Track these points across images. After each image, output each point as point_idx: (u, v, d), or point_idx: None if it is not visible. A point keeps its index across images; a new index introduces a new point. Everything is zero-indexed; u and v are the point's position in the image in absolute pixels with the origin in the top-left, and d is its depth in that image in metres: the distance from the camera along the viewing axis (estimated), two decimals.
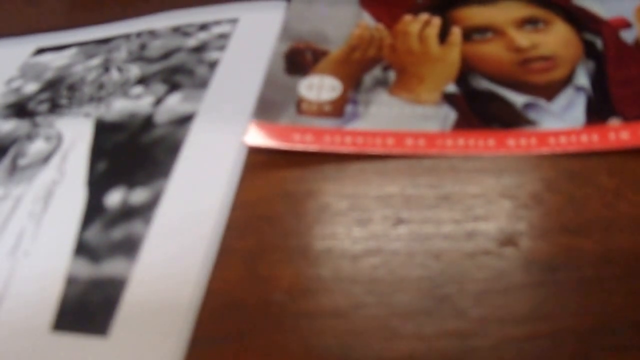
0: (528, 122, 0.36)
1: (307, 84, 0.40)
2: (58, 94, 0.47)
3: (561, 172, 0.34)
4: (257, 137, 0.37)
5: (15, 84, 0.50)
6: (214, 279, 0.31)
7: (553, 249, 0.30)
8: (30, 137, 0.43)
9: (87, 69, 0.48)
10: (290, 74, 0.41)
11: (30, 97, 0.47)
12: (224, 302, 0.30)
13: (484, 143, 0.35)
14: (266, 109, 0.39)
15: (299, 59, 0.42)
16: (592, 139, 0.35)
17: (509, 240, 0.31)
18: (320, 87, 0.40)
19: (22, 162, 0.42)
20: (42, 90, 0.48)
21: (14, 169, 0.41)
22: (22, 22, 0.57)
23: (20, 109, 0.47)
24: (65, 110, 0.45)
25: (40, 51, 0.53)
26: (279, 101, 0.40)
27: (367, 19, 0.45)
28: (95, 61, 0.49)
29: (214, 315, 0.30)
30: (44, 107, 0.46)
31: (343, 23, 0.45)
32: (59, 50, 0.52)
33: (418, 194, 0.33)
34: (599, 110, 0.37)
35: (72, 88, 0.47)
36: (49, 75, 0.49)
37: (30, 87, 0.49)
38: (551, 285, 0.29)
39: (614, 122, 0.35)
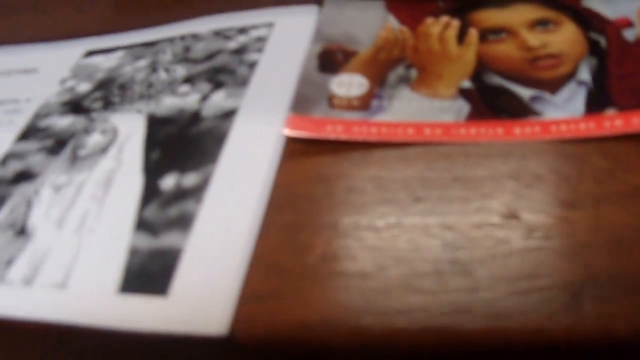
0: (533, 113, 0.43)
1: (338, 82, 0.47)
2: (110, 92, 0.55)
3: (560, 155, 0.41)
4: (294, 128, 0.45)
5: (69, 83, 0.58)
6: (257, 247, 0.38)
7: (550, 220, 0.37)
8: (87, 131, 0.51)
9: (136, 69, 0.56)
10: (323, 72, 0.49)
11: (84, 96, 0.55)
12: (267, 265, 0.38)
13: (493, 131, 0.42)
14: (301, 104, 0.47)
15: (330, 59, 0.50)
16: (589, 127, 0.41)
17: (512, 213, 0.38)
18: (349, 84, 0.47)
19: (82, 153, 0.49)
20: (94, 89, 0.56)
21: (74, 159, 0.49)
22: (71, 27, 0.64)
23: (76, 106, 0.54)
24: (118, 106, 0.53)
25: (90, 54, 0.61)
26: (312, 97, 0.47)
27: (393, 22, 0.52)
28: (143, 62, 0.57)
29: (259, 276, 0.37)
30: (98, 104, 0.54)
31: (370, 26, 0.52)
32: (108, 53, 0.60)
33: (434, 176, 0.41)
34: (597, 101, 0.43)
35: (123, 87, 0.55)
36: (100, 75, 0.57)
37: (84, 87, 0.57)
38: (547, 250, 0.36)
39: (610, 111, 0.42)
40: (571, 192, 0.38)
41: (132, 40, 0.61)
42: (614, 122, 0.41)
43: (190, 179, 0.44)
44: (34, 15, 0.66)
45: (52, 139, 0.51)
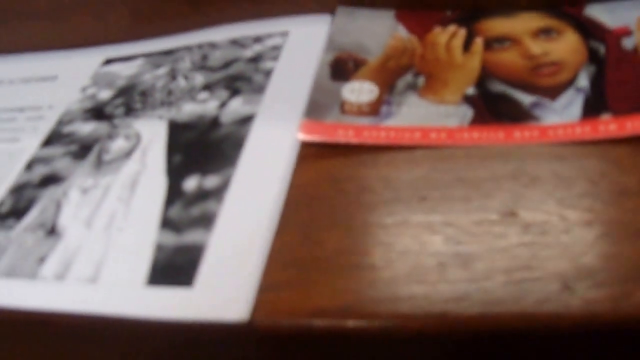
0: (533, 118, 0.48)
1: (349, 89, 0.53)
2: (132, 99, 0.61)
3: (557, 157, 0.46)
4: (308, 133, 0.51)
5: (90, 91, 0.64)
6: (275, 242, 0.44)
7: (545, 217, 0.42)
8: (111, 136, 0.57)
9: (156, 77, 0.62)
10: (335, 80, 0.54)
11: (106, 103, 0.61)
12: (284, 259, 0.43)
13: (495, 135, 0.48)
14: (315, 110, 0.52)
15: (342, 67, 0.55)
16: (585, 131, 0.47)
17: (510, 211, 0.43)
18: (360, 91, 0.53)
19: (106, 157, 0.55)
20: (116, 96, 0.62)
21: (100, 163, 0.55)
22: (89, 35, 0.69)
23: (98, 113, 0.60)
24: (140, 113, 0.58)
25: (109, 62, 0.67)
26: (325, 103, 0.52)
27: (402, 31, 0.58)
28: (162, 70, 0.63)
29: (277, 268, 0.43)
30: (120, 110, 0.60)
31: (380, 35, 0.58)
32: (127, 61, 0.66)
33: (438, 176, 0.46)
34: (594, 106, 0.48)
35: (144, 94, 0.61)
36: (120, 83, 0.63)
37: (105, 94, 0.63)
38: (541, 244, 0.41)
39: (606, 116, 0.48)
40: (566, 191, 0.44)
41: (150, 48, 0.66)
42: (608, 126, 0.47)
43: (211, 181, 0.49)
44: (52, 23, 0.70)
45: (76, 144, 0.57)
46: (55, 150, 0.57)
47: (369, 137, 0.49)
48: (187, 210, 0.48)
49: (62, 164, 0.55)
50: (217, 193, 0.48)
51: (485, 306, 0.38)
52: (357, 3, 0.61)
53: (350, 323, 0.39)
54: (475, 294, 0.39)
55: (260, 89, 0.56)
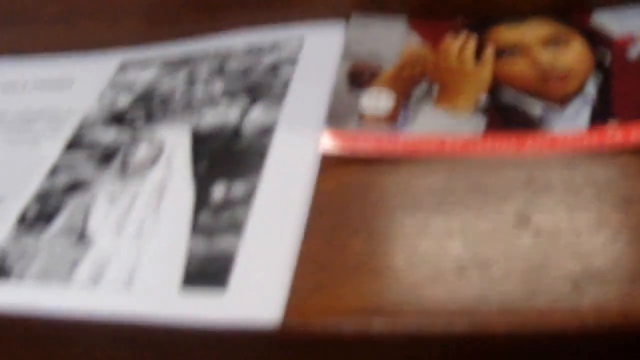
0: (543, 126, 0.53)
1: (367, 98, 0.57)
2: (152, 105, 0.65)
3: (567, 165, 0.51)
4: (329, 142, 0.55)
5: (109, 96, 0.67)
6: (302, 248, 0.48)
7: (557, 220, 0.47)
8: (134, 143, 0.61)
9: (174, 83, 0.67)
10: (352, 89, 0.58)
11: (125, 108, 0.65)
12: (311, 263, 0.48)
13: (507, 145, 0.52)
14: (334, 119, 0.56)
15: (359, 77, 0.60)
16: (593, 140, 0.52)
17: (523, 217, 0.49)
18: (377, 100, 0.58)
19: (131, 164, 0.60)
20: (135, 102, 0.66)
21: (125, 169, 0.59)
22: (104, 40, 0.71)
23: (119, 119, 0.64)
24: (162, 119, 0.62)
25: (126, 67, 0.72)
26: (344, 112, 0.56)
27: (415, 39, 0.63)
28: (180, 77, 0.67)
29: (305, 273, 0.47)
30: (141, 117, 0.64)
31: (394, 43, 0.62)
32: (143, 66, 0.71)
33: (456, 184, 0.51)
34: (601, 115, 0.52)
35: (164, 101, 0.65)
36: (139, 89, 0.67)
37: (124, 100, 0.67)
38: (554, 247, 0.46)
39: (612, 124, 0.53)
40: (575, 196, 0.49)
41: (165, 54, 0.71)
42: (615, 135, 0.52)
43: (238, 189, 0.54)
44: (66, 27, 0.74)
45: (99, 150, 0.61)
46: (78, 156, 0.61)
47: (388, 146, 0.54)
48: (217, 217, 0.52)
49: (86, 170, 0.59)
50: (245, 200, 0.53)
51: (503, 306, 0.43)
52: (369, 10, 0.65)
53: (378, 324, 0.44)
54: (494, 295, 0.44)
55: (279, 98, 0.61)
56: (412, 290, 0.45)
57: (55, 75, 0.72)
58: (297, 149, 0.55)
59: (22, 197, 0.58)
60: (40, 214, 0.56)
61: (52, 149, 0.63)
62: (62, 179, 0.59)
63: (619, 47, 0.58)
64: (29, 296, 0.51)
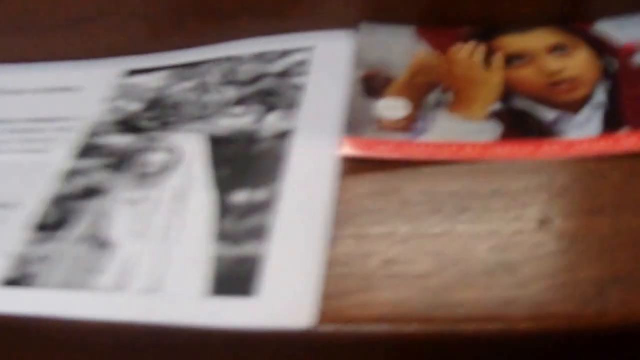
0: (556, 133, 0.54)
1: (383, 105, 0.58)
2: (165, 112, 0.65)
3: (583, 170, 0.52)
4: (349, 149, 0.55)
5: (118, 103, 0.67)
6: (329, 253, 0.49)
7: (577, 226, 0.48)
8: (150, 149, 0.61)
9: (185, 90, 0.67)
10: (367, 96, 0.58)
11: (136, 115, 0.65)
12: (340, 268, 0.48)
13: (524, 150, 0.53)
14: (352, 126, 0.56)
15: (372, 84, 0.60)
16: (606, 145, 0.53)
17: (546, 219, 0.49)
18: (394, 107, 0.58)
19: (149, 170, 0.59)
20: (147, 109, 0.66)
21: (143, 176, 0.59)
22: (109, 46, 0.71)
23: (131, 125, 0.64)
24: (176, 126, 0.63)
25: (133, 73, 0.71)
26: (361, 119, 0.57)
27: (424, 47, 0.64)
28: (190, 83, 0.67)
29: (335, 278, 0.48)
30: (154, 123, 0.64)
31: (404, 51, 0.62)
32: (151, 73, 0.70)
33: (476, 189, 0.52)
34: (612, 121, 0.54)
35: (176, 107, 0.65)
36: (149, 95, 0.67)
37: (134, 106, 0.66)
38: (577, 250, 0.47)
39: (624, 130, 0.54)
40: (593, 201, 0.50)
41: (173, 60, 0.71)
42: (628, 140, 0.53)
43: (260, 194, 0.54)
44: (72, 33, 0.73)
45: (113, 156, 0.61)
46: (92, 162, 0.61)
47: (409, 152, 0.54)
48: (242, 222, 0.52)
49: (101, 176, 0.59)
50: (268, 205, 0.53)
51: (533, 309, 0.44)
52: (377, 19, 0.66)
53: (409, 328, 0.45)
54: (523, 297, 0.44)
55: (294, 105, 0.61)
56: (443, 294, 0.45)
57: (63, 81, 0.71)
58: (317, 155, 0.55)
59: (38, 203, 0.58)
60: (59, 219, 0.56)
61: (62, 153, 0.62)
62: (78, 185, 0.58)
63: (624, 54, 0.59)
64: (52, 303, 0.51)
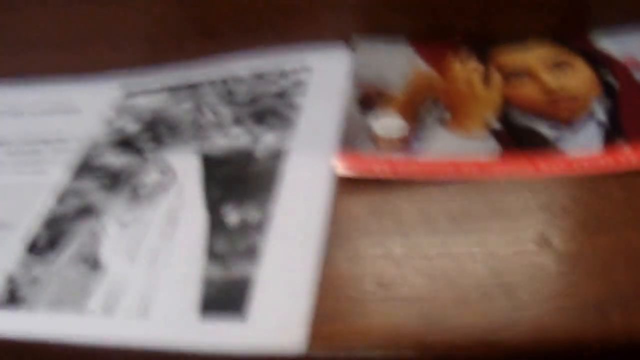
0: (556, 149, 0.51)
1: (380, 125, 0.55)
2: (161, 133, 0.62)
3: (583, 188, 0.49)
4: (344, 167, 0.53)
5: (117, 124, 0.65)
6: (322, 275, 0.46)
7: (577, 246, 0.45)
8: (144, 170, 0.58)
9: (182, 111, 0.64)
10: (364, 115, 0.56)
11: (134, 136, 0.63)
12: (333, 291, 0.45)
13: (523, 168, 0.50)
14: (348, 145, 0.54)
15: (369, 103, 0.58)
16: (607, 162, 0.50)
17: (545, 241, 0.46)
18: (390, 126, 0.55)
19: (142, 191, 0.57)
20: (144, 130, 0.63)
21: (136, 196, 0.57)
22: (106, 64, 0.69)
23: (128, 146, 0.62)
24: (171, 147, 0.60)
25: (132, 94, 0.69)
26: (357, 138, 0.54)
27: (419, 63, 0.61)
28: (188, 104, 0.65)
29: (327, 300, 0.45)
30: (150, 144, 0.61)
31: (400, 68, 0.60)
32: (150, 94, 0.68)
33: (474, 208, 0.49)
34: (612, 137, 0.51)
35: (172, 128, 0.62)
36: (147, 116, 0.65)
37: (132, 127, 0.64)
38: (578, 272, 0.44)
39: (625, 147, 0.51)
40: (594, 220, 0.47)
41: (171, 80, 0.68)
42: (628, 157, 0.50)
43: (253, 213, 0.51)
44: (71, 53, 0.71)
45: (108, 177, 0.59)
46: (87, 182, 0.59)
47: (405, 171, 0.51)
48: (232, 244, 0.50)
49: (95, 197, 0.57)
50: (260, 226, 0.50)
51: (533, 333, 0.41)
52: (371, 32, 0.63)
53: (404, 353, 0.42)
54: (522, 321, 0.41)
55: (291, 124, 0.58)
56: (439, 318, 0.42)
57: (60, 100, 0.70)
58: (312, 172, 0.53)
59: (31, 224, 0.56)
60: (50, 240, 0.54)
61: (59, 175, 0.60)
62: (71, 205, 0.56)
63: (622, 69, 0.56)
64: (41, 325, 0.48)
